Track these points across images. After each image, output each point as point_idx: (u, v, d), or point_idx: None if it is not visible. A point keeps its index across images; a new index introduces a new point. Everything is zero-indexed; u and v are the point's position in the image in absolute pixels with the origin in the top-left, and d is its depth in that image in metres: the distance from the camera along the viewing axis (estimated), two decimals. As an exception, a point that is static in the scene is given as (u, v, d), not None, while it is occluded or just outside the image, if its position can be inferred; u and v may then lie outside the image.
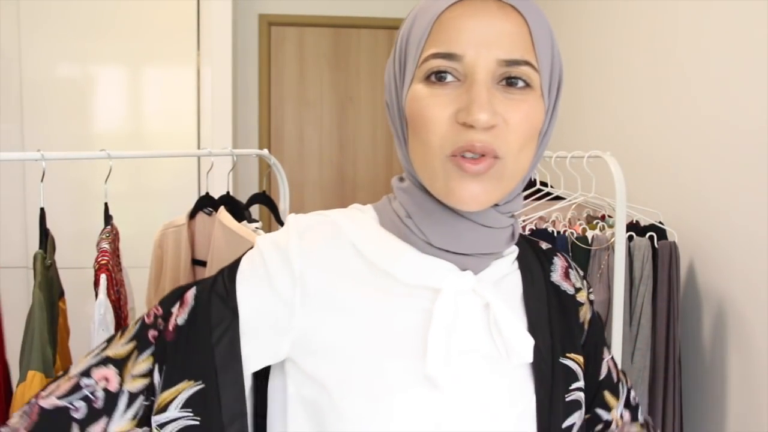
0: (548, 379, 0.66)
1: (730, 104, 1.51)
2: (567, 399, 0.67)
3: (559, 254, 0.76)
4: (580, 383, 0.69)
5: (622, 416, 0.75)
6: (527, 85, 0.59)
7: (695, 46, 1.66)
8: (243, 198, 1.80)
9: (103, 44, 2.82)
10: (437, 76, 0.59)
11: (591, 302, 0.76)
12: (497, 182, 0.59)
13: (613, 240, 1.45)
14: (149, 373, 0.63)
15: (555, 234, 1.49)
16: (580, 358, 0.70)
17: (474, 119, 0.56)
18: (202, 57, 2.90)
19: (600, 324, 0.77)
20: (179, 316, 0.64)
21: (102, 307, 1.20)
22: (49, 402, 0.62)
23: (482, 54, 0.57)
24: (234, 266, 0.66)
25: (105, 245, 1.34)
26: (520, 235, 0.74)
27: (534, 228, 1.51)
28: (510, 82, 0.59)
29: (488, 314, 0.64)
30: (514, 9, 0.59)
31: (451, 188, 0.59)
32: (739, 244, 1.48)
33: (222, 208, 1.61)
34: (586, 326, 0.73)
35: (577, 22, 2.41)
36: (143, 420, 0.63)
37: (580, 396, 0.69)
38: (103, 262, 1.28)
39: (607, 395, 0.74)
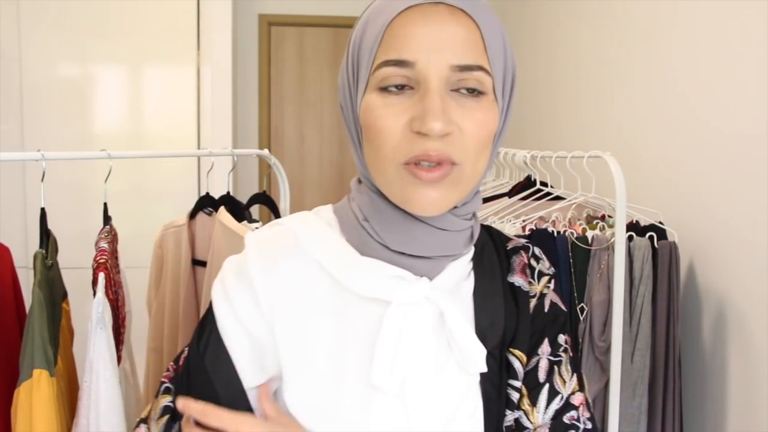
0: (496, 375, 0.66)
1: (730, 104, 1.51)
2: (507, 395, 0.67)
3: (523, 252, 0.74)
4: (518, 382, 0.68)
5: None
6: (482, 90, 0.59)
7: (695, 46, 1.66)
8: (243, 198, 1.80)
9: (103, 44, 2.82)
10: (392, 83, 0.58)
11: (542, 294, 0.72)
12: (454, 187, 0.60)
13: (613, 240, 1.45)
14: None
15: (555, 234, 1.49)
16: (523, 356, 0.68)
17: (428, 128, 0.56)
18: (202, 57, 2.90)
19: (551, 319, 0.71)
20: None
21: (100, 306, 1.20)
22: None
23: (434, 60, 0.57)
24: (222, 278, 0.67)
25: (104, 245, 1.33)
26: (490, 232, 0.74)
27: (534, 228, 1.51)
28: (465, 88, 0.59)
29: (442, 323, 0.64)
30: (465, 13, 0.59)
31: (407, 196, 0.59)
32: (739, 244, 1.48)
33: (222, 208, 1.61)
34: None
35: (576, 22, 2.41)
36: None
37: (515, 396, 0.68)
38: (102, 260, 1.28)
39: (522, 389, 0.69)
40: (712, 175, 1.58)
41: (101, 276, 1.25)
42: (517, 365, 0.68)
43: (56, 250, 1.28)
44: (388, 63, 0.58)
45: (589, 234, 1.50)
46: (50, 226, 1.29)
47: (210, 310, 0.66)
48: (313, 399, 0.62)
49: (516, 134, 3.10)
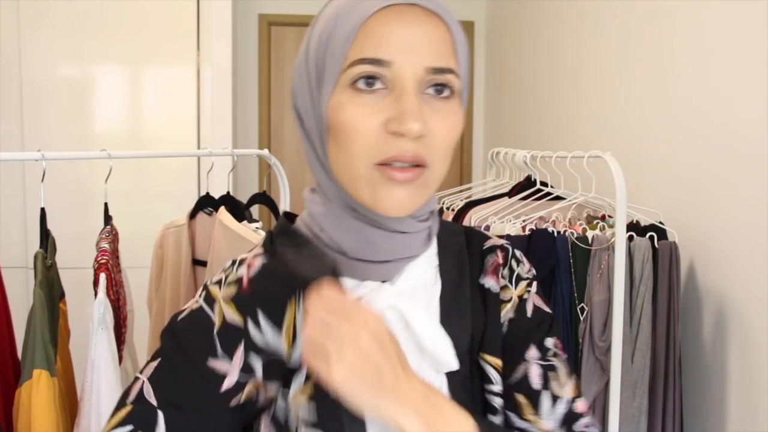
0: (467, 380, 0.65)
1: (730, 104, 1.51)
2: (486, 400, 0.66)
3: (499, 251, 0.71)
4: (496, 387, 0.66)
5: None
6: (451, 93, 0.60)
7: (695, 46, 1.66)
8: (243, 198, 1.80)
9: (102, 44, 2.82)
10: (366, 82, 0.58)
11: (522, 300, 0.70)
12: (423, 189, 0.60)
13: (613, 240, 1.45)
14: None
15: (555, 234, 1.49)
16: (497, 361, 0.66)
17: (407, 129, 0.56)
18: (202, 57, 2.90)
19: (535, 323, 0.69)
20: (251, 271, 0.66)
21: (101, 306, 1.20)
22: None
23: (411, 61, 0.57)
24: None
25: (105, 245, 1.34)
26: (468, 235, 0.73)
27: (534, 228, 1.51)
28: (436, 90, 0.59)
29: (407, 327, 0.62)
30: (438, 17, 0.59)
31: (378, 196, 0.59)
32: (739, 244, 1.48)
33: (222, 208, 1.61)
34: (505, 326, 0.69)
35: (577, 22, 2.41)
36: None
37: (497, 401, 0.66)
38: (103, 261, 1.28)
39: (520, 398, 0.66)
40: (712, 175, 1.58)
41: (102, 276, 1.25)
42: (491, 371, 0.66)
43: (54, 250, 1.28)
44: (363, 61, 0.57)
45: (590, 234, 1.50)
46: (50, 226, 1.29)
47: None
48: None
49: (516, 134, 3.10)
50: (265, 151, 1.92)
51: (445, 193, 2.12)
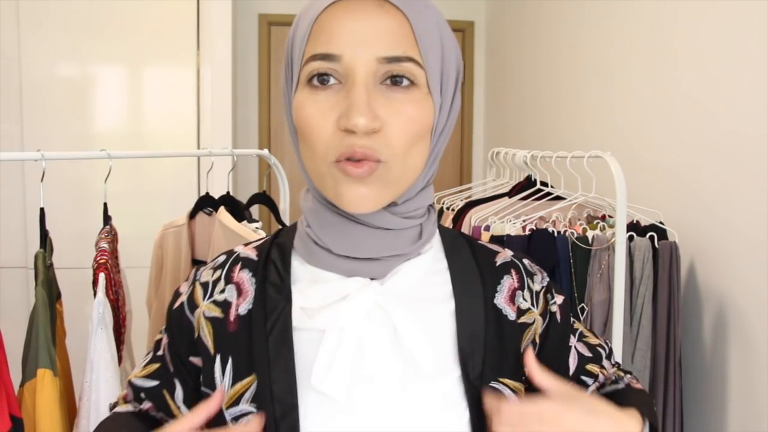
0: (478, 405, 0.63)
1: (731, 104, 1.51)
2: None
3: (513, 272, 0.70)
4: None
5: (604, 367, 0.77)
6: (411, 82, 0.58)
7: (695, 46, 1.66)
8: (243, 198, 1.80)
9: (102, 44, 2.82)
10: (319, 79, 0.58)
11: (551, 313, 0.71)
12: (384, 184, 0.59)
13: (613, 240, 1.45)
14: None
15: (555, 234, 1.49)
16: (517, 385, 0.66)
17: (352, 124, 0.55)
18: (201, 57, 2.90)
19: (562, 323, 0.72)
20: (240, 305, 0.65)
21: (101, 306, 1.20)
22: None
23: (360, 53, 0.56)
24: (287, 251, 0.67)
25: (104, 245, 1.33)
26: (472, 246, 0.71)
27: (534, 228, 1.51)
28: (393, 80, 0.58)
29: (392, 327, 0.62)
30: (393, 6, 0.58)
31: (339, 192, 0.58)
32: (739, 244, 1.48)
33: (222, 208, 1.60)
34: (537, 340, 0.69)
35: (577, 21, 2.41)
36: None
37: None
38: (102, 261, 1.28)
39: (590, 367, 0.75)
40: (712, 175, 1.58)
41: (102, 276, 1.25)
42: (509, 393, 0.65)
43: (52, 251, 1.28)
44: (315, 57, 0.57)
45: (590, 234, 1.50)
46: (50, 226, 1.29)
47: None
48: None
49: (516, 134, 3.10)
50: (265, 151, 1.92)
51: (445, 193, 2.12)
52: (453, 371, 0.63)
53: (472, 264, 0.68)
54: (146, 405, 0.70)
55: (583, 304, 1.48)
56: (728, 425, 1.51)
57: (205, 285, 0.68)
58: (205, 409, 0.60)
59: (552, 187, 1.75)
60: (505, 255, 0.71)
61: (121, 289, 1.40)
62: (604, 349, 0.77)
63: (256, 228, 1.60)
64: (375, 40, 0.57)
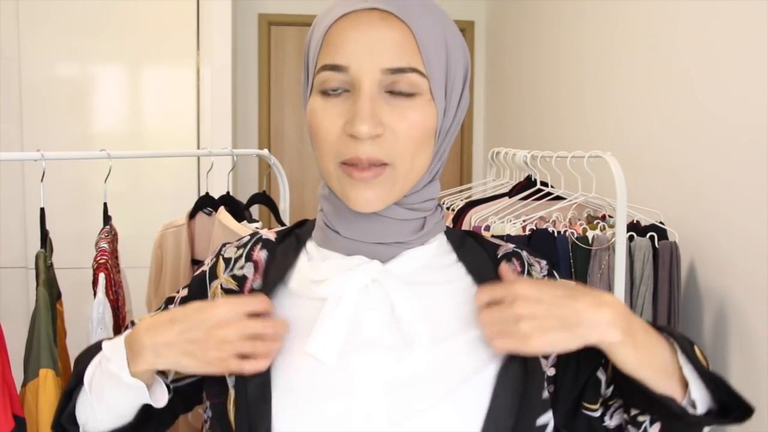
0: (517, 380, 0.64)
1: (731, 103, 1.51)
2: (542, 397, 0.66)
3: (515, 259, 0.74)
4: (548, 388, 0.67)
5: None
6: (415, 92, 0.62)
7: (696, 46, 1.66)
8: (243, 198, 1.79)
9: (102, 44, 2.82)
10: (330, 88, 0.63)
11: None
12: (390, 186, 0.64)
13: (613, 240, 1.45)
14: None
15: (555, 234, 1.49)
16: (544, 360, 0.68)
17: (356, 131, 0.60)
18: (201, 57, 2.90)
19: None
20: (255, 281, 0.71)
21: (100, 306, 1.20)
22: None
23: (365, 64, 0.61)
24: (303, 239, 0.74)
25: (104, 245, 1.33)
26: (479, 241, 0.75)
27: (534, 228, 1.51)
28: (397, 90, 0.62)
29: (389, 303, 0.66)
30: (397, 18, 0.62)
31: (346, 194, 0.64)
32: (740, 244, 1.48)
33: (222, 208, 1.60)
34: None
35: (577, 21, 2.41)
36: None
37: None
38: (102, 261, 1.28)
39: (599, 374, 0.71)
40: (713, 174, 1.58)
41: (101, 276, 1.25)
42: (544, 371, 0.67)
43: (51, 251, 1.28)
44: (325, 67, 0.63)
45: (590, 234, 1.50)
46: (50, 226, 1.29)
47: None
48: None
49: (516, 134, 3.10)
50: (265, 151, 1.92)
51: (445, 193, 2.12)
52: (451, 340, 0.65)
53: (481, 253, 0.73)
54: None
55: (583, 304, 1.48)
56: (729, 426, 1.51)
57: (228, 261, 0.74)
58: (251, 302, 0.64)
59: (552, 187, 1.75)
60: (506, 247, 0.76)
61: (121, 289, 1.40)
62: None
63: (256, 228, 1.60)
64: (379, 52, 0.61)
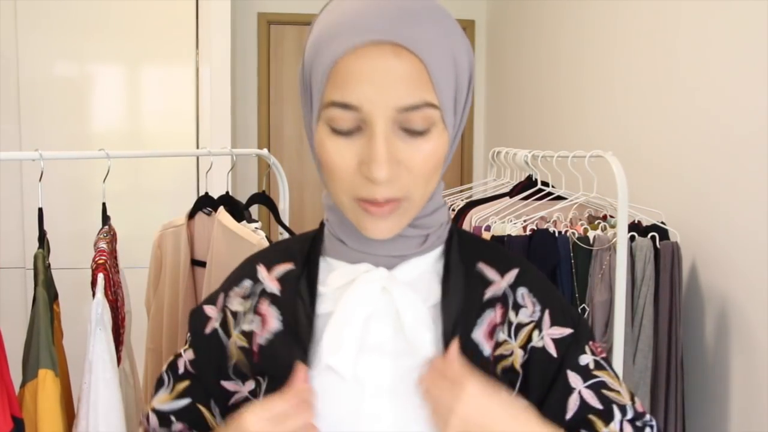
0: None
1: (732, 104, 1.51)
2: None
3: (499, 306, 0.69)
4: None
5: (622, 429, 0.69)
6: (429, 127, 0.61)
7: (697, 46, 1.65)
8: (242, 198, 1.79)
9: (100, 43, 2.81)
10: (339, 126, 0.60)
11: (536, 348, 0.68)
12: (406, 216, 0.64)
13: (614, 240, 1.44)
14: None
15: (556, 234, 1.48)
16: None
17: (374, 177, 0.59)
18: (200, 56, 2.89)
19: (563, 354, 0.69)
20: (261, 335, 0.70)
21: (99, 307, 1.19)
22: None
23: (379, 104, 0.58)
24: (314, 294, 0.70)
25: (102, 245, 1.33)
26: (473, 263, 0.71)
27: (535, 228, 1.50)
28: (411, 128, 0.60)
29: (395, 311, 0.66)
30: (409, 51, 0.58)
31: (361, 224, 0.64)
32: (741, 244, 1.47)
33: (221, 208, 1.60)
34: (519, 369, 0.68)
35: (578, 21, 2.40)
36: None
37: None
38: (101, 261, 1.28)
39: (591, 417, 0.68)
40: (714, 175, 1.57)
41: (100, 277, 1.24)
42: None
43: (48, 252, 1.27)
44: (334, 104, 0.59)
45: (591, 234, 1.49)
46: (48, 226, 1.28)
47: None
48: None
49: (517, 134, 3.09)
50: (265, 151, 1.91)
51: (445, 193, 2.11)
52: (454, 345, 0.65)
53: (460, 296, 0.69)
54: (177, 427, 0.72)
55: (584, 305, 1.47)
56: (730, 426, 1.51)
57: (235, 315, 0.72)
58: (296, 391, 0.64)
59: (553, 187, 1.74)
60: (498, 287, 0.70)
61: (120, 290, 1.39)
62: (624, 411, 0.68)
63: (256, 228, 1.59)
64: (392, 90, 0.58)
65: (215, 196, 1.67)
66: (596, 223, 1.58)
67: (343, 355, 0.65)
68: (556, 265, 1.46)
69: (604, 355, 0.71)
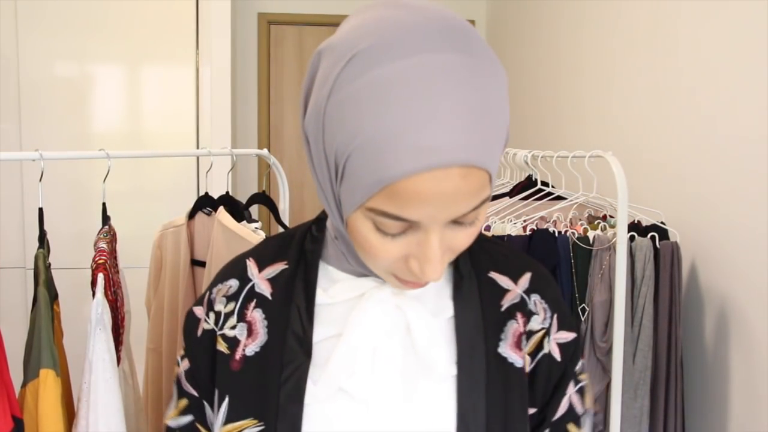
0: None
1: (732, 104, 1.51)
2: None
3: (519, 315, 0.67)
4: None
5: None
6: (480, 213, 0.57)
7: (697, 46, 1.65)
8: (242, 198, 1.79)
9: (101, 43, 2.81)
10: (389, 233, 0.55)
11: (543, 354, 0.67)
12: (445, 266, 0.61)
13: (614, 240, 1.44)
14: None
15: (556, 234, 1.48)
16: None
17: (427, 278, 0.55)
18: (201, 56, 2.89)
19: (566, 361, 0.69)
20: (248, 346, 0.65)
21: (99, 307, 1.19)
22: None
23: (438, 218, 0.53)
24: (312, 302, 0.65)
25: (102, 245, 1.33)
26: (481, 285, 0.68)
27: (535, 228, 1.50)
28: (464, 221, 0.55)
29: (407, 329, 0.64)
30: (477, 167, 0.52)
31: (396, 286, 0.61)
32: (741, 244, 1.47)
33: (221, 208, 1.60)
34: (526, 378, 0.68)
35: (578, 21, 2.40)
36: None
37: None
38: (101, 261, 1.28)
39: (571, 428, 0.69)
40: (714, 175, 1.57)
41: (100, 277, 1.24)
42: None
43: (48, 251, 1.28)
44: (386, 215, 0.53)
45: (591, 234, 1.49)
46: (48, 226, 1.28)
47: None
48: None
49: (517, 134, 3.09)
50: (265, 151, 1.91)
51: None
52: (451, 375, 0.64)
53: (476, 309, 0.66)
54: None
55: (584, 305, 1.47)
56: (730, 426, 1.51)
57: (218, 315, 0.68)
58: None
59: (553, 187, 1.74)
60: (514, 294, 0.68)
61: (119, 290, 1.39)
62: (588, 415, 0.71)
63: (256, 228, 1.59)
64: (453, 207, 0.52)
65: (215, 196, 1.68)
66: (596, 223, 1.58)
67: (358, 378, 0.62)
68: (555, 265, 1.46)
69: (584, 359, 0.73)
